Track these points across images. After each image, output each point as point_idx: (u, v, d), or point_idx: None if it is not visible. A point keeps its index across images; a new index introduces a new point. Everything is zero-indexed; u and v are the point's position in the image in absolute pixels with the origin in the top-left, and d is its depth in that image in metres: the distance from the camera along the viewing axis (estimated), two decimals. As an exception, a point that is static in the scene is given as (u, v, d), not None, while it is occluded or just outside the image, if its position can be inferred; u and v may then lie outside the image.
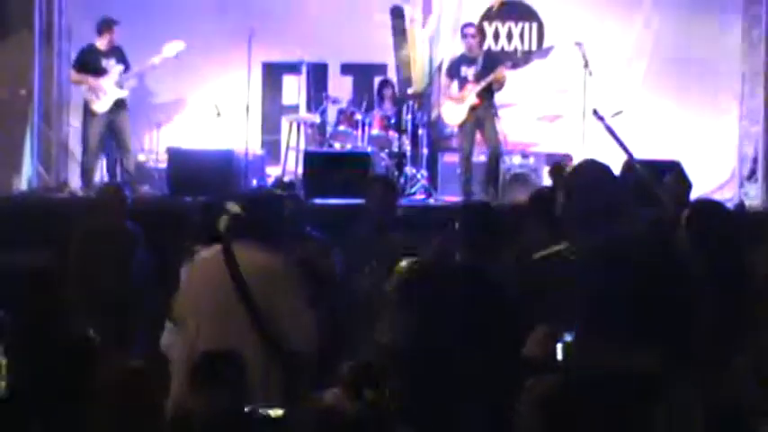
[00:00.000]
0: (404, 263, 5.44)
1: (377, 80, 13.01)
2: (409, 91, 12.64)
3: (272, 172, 12.35)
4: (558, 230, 4.88)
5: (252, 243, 5.00)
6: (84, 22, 12.36)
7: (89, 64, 11.41)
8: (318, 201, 10.15)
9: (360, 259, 7.14)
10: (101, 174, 11.85)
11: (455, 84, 11.54)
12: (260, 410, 4.52)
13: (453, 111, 11.44)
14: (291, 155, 12.30)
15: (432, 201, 11.53)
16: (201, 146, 12.13)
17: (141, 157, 12.26)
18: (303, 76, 12.65)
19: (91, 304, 7.50)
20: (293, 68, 12.80)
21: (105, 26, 11.39)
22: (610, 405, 3.02)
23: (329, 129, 12.40)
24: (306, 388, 4.99)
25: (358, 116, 12.10)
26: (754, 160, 12.29)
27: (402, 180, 11.77)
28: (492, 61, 11.49)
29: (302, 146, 12.34)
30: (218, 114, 11.94)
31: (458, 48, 12.33)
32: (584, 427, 3.26)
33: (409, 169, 11.96)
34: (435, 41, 13.26)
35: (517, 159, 12.08)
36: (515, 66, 12.03)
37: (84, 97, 11.42)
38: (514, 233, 5.51)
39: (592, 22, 12.63)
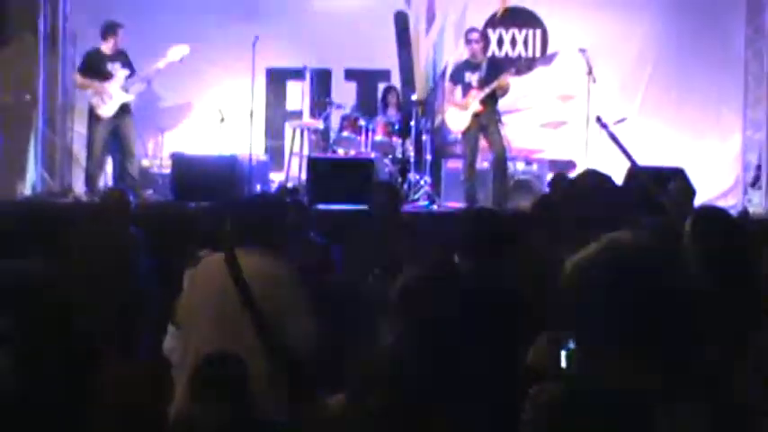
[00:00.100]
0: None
1: (380, 86, 13.03)
2: (413, 97, 12.65)
3: (276, 178, 12.36)
4: (560, 237, 4.89)
5: (255, 249, 5.00)
6: (88, 26, 12.38)
7: (94, 68, 11.42)
8: (322, 206, 10.16)
9: (363, 265, 7.15)
10: (105, 179, 11.85)
11: (459, 90, 11.54)
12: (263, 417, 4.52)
13: (457, 117, 11.44)
14: (295, 161, 12.33)
15: (435, 207, 11.53)
16: (205, 151, 12.15)
17: (145, 163, 12.27)
18: (307, 82, 12.69)
19: (94, 309, 7.50)
20: (297, 74, 12.84)
21: (110, 30, 11.41)
22: (612, 415, 3.02)
23: (333, 135, 12.42)
24: (310, 394, 4.99)
25: (361, 122, 12.12)
26: (758, 167, 12.30)
27: (405, 186, 11.77)
28: (496, 68, 11.48)
29: (306, 152, 12.36)
30: (222, 120, 11.95)
31: (461, 54, 12.35)
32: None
33: (413, 175, 11.97)
34: (439, 47, 13.28)
35: (521, 166, 12.09)
36: (519, 72, 12.03)
37: (89, 102, 11.43)
38: (518, 240, 5.51)
39: (595, 29, 12.63)
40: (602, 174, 4.77)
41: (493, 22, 13.09)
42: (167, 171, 11.93)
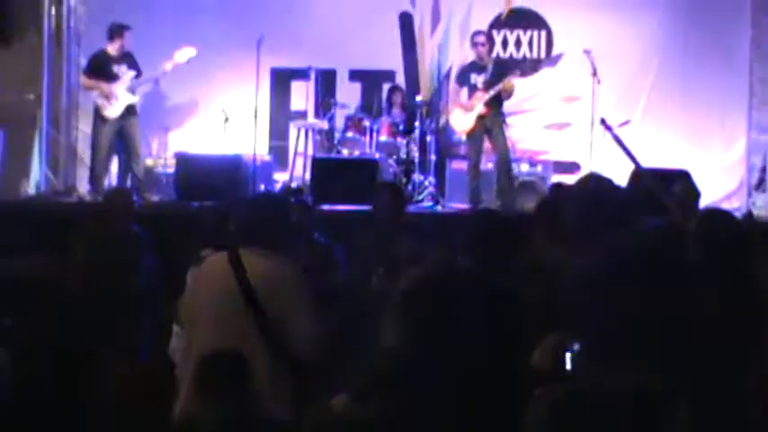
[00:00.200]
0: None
1: (385, 87, 13.02)
2: (417, 98, 12.64)
3: (280, 178, 12.37)
4: (563, 239, 4.88)
5: (259, 249, 4.99)
6: (93, 27, 12.40)
7: (100, 70, 11.41)
8: (326, 207, 10.15)
9: (366, 266, 7.14)
10: (109, 179, 11.85)
11: (465, 91, 11.53)
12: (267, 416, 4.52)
13: (461, 119, 11.43)
14: (299, 161, 12.33)
15: (439, 208, 11.52)
16: (209, 151, 12.15)
17: (149, 162, 12.27)
18: (311, 83, 12.69)
19: (97, 309, 7.50)
20: (302, 74, 12.84)
21: (116, 32, 11.40)
22: (617, 416, 3.01)
23: (337, 135, 12.41)
24: (313, 394, 4.98)
25: (366, 123, 12.12)
26: (763, 170, 12.28)
27: (410, 187, 11.77)
28: (501, 69, 11.47)
29: (310, 152, 12.36)
30: (227, 120, 11.95)
31: (466, 55, 12.34)
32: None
33: (417, 176, 11.96)
34: (444, 48, 13.27)
35: (525, 167, 12.09)
36: (524, 74, 12.01)
37: (95, 102, 11.41)
38: (522, 241, 5.50)
39: (600, 30, 12.61)
40: (605, 177, 4.76)
41: (498, 23, 13.07)
42: (171, 171, 11.93)
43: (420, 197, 11.80)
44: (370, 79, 13.26)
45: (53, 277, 7.81)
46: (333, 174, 11.20)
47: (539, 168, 12.15)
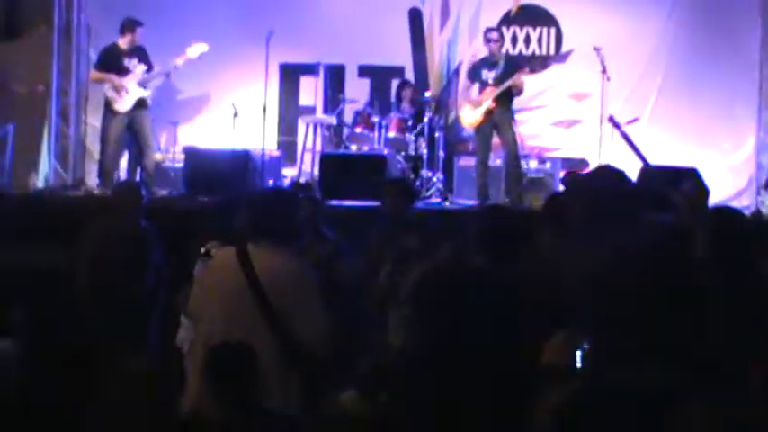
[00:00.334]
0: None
1: (394, 83, 13.02)
2: (426, 94, 12.63)
3: (289, 173, 12.37)
4: (572, 235, 4.88)
5: (267, 243, 4.99)
6: (104, 20, 12.40)
7: (111, 63, 11.39)
8: (334, 202, 10.15)
9: (374, 262, 7.15)
10: (118, 173, 11.84)
11: (475, 87, 11.55)
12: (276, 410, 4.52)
13: (470, 113, 11.43)
14: (308, 156, 12.33)
15: (447, 204, 11.52)
16: (218, 146, 12.16)
17: (158, 157, 12.26)
18: (320, 78, 12.69)
19: (105, 302, 7.52)
20: (310, 70, 12.85)
21: (128, 26, 11.38)
22: (627, 416, 3.01)
23: (346, 130, 12.41)
24: (322, 389, 4.99)
25: (374, 118, 12.11)
26: (772, 168, 12.28)
27: (418, 183, 11.77)
28: (512, 66, 11.47)
29: (318, 147, 12.36)
30: (236, 115, 11.95)
31: (475, 51, 12.35)
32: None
33: (425, 172, 11.96)
34: (453, 44, 13.26)
35: (534, 164, 12.08)
36: (534, 71, 12.00)
37: (105, 95, 11.38)
38: (529, 237, 5.50)
39: (609, 27, 12.59)
40: (617, 169, 4.76)
41: (507, 19, 13.06)
42: (180, 165, 11.94)
43: (428, 193, 11.80)
44: (378, 75, 13.26)
45: (62, 269, 7.84)
46: (341, 169, 11.21)
47: (547, 165, 12.14)
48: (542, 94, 12.78)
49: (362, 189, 10.25)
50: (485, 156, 11.38)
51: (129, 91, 11.25)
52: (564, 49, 12.82)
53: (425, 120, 12.11)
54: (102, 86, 11.49)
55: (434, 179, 11.91)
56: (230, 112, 12.01)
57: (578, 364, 3.60)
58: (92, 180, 12.16)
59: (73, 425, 4.93)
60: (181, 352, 6.17)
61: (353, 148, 12.18)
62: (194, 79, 12.60)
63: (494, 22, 12.71)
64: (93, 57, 12.07)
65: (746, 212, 8.33)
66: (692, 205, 6.73)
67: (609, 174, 4.89)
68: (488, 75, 11.37)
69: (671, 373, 3.10)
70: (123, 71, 11.29)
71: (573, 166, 11.98)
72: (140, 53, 11.42)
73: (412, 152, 12.12)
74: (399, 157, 11.93)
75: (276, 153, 12.49)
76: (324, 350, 4.93)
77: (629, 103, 12.39)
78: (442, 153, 12.14)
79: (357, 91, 12.88)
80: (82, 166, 12.67)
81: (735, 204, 10.24)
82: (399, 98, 12.72)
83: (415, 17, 13.27)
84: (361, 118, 12.23)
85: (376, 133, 12.03)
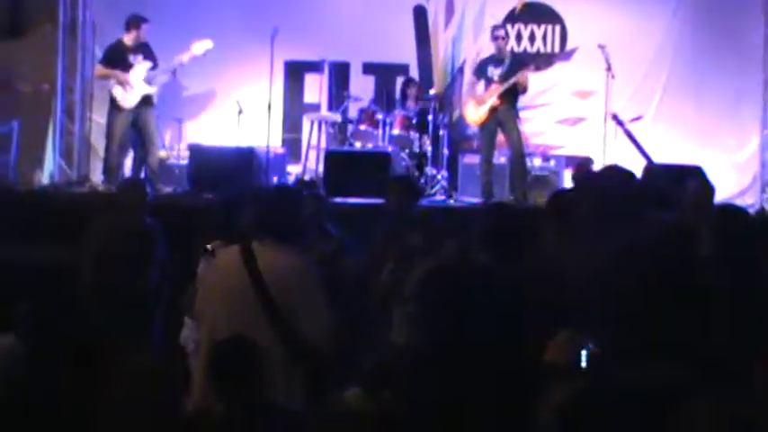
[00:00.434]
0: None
1: (399, 80, 13.02)
2: (431, 91, 12.63)
3: (293, 170, 12.37)
4: (576, 233, 4.88)
5: (272, 241, 4.99)
6: (109, 17, 12.40)
7: (116, 59, 11.37)
8: (338, 199, 10.15)
9: (379, 259, 7.15)
10: (123, 170, 11.84)
11: (481, 84, 11.54)
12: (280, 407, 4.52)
13: (474, 110, 11.43)
14: (312, 153, 12.33)
15: (452, 201, 11.52)
16: (223, 143, 12.16)
17: (163, 154, 12.26)
18: (325, 75, 12.70)
19: (109, 299, 7.53)
20: (315, 67, 12.84)
21: (134, 23, 11.37)
22: (632, 415, 3.01)
23: (350, 128, 12.41)
24: (326, 387, 4.99)
25: (379, 116, 12.11)
26: (776, 166, 12.27)
27: (422, 180, 11.77)
28: (518, 63, 11.47)
29: (323, 144, 12.36)
30: (241, 112, 11.95)
31: (479, 49, 12.34)
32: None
33: (429, 170, 11.95)
34: (457, 42, 13.26)
35: (538, 162, 12.08)
36: (538, 68, 12.00)
37: (110, 92, 11.37)
38: (534, 235, 5.50)
39: (614, 25, 12.59)
40: (626, 169, 4.75)
41: (512, 17, 13.05)
42: (185, 162, 11.94)
43: (432, 191, 11.79)
44: (383, 72, 13.25)
45: (67, 266, 7.85)
46: (345, 167, 11.20)
47: (552, 163, 12.13)
48: (547, 92, 12.78)
49: (367, 186, 10.25)
50: (489, 153, 11.37)
51: (134, 86, 11.23)
52: (569, 46, 12.82)
53: (429, 117, 12.11)
54: (107, 84, 11.49)
55: (439, 176, 11.90)
56: (235, 109, 12.02)
57: (583, 363, 3.60)
58: (96, 177, 12.16)
59: (77, 422, 4.93)
60: (184, 350, 6.18)
61: (358, 145, 12.18)
62: (199, 76, 12.61)
63: (498, 20, 12.70)
64: (99, 54, 12.06)
65: (751, 210, 8.32)
66: (697, 203, 6.72)
67: (618, 173, 4.88)
68: (494, 72, 11.37)
69: (675, 372, 3.10)
70: (128, 67, 11.28)
71: (577, 164, 11.98)
72: (145, 50, 11.41)
73: (416, 150, 12.12)
74: (404, 155, 11.92)
75: (281, 150, 12.49)
76: (328, 347, 4.92)
77: (633, 101, 12.38)
78: (446, 150, 12.14)
79: (362, 88, 12.88)
80: (87, 162, 12.67)
81: (739, 202, 10.24)
82: (404, 96, 12.71)
83: (420, 14, 13.27)
84: (366, 115, 12.21)
85: (380, 130, 12.03)
